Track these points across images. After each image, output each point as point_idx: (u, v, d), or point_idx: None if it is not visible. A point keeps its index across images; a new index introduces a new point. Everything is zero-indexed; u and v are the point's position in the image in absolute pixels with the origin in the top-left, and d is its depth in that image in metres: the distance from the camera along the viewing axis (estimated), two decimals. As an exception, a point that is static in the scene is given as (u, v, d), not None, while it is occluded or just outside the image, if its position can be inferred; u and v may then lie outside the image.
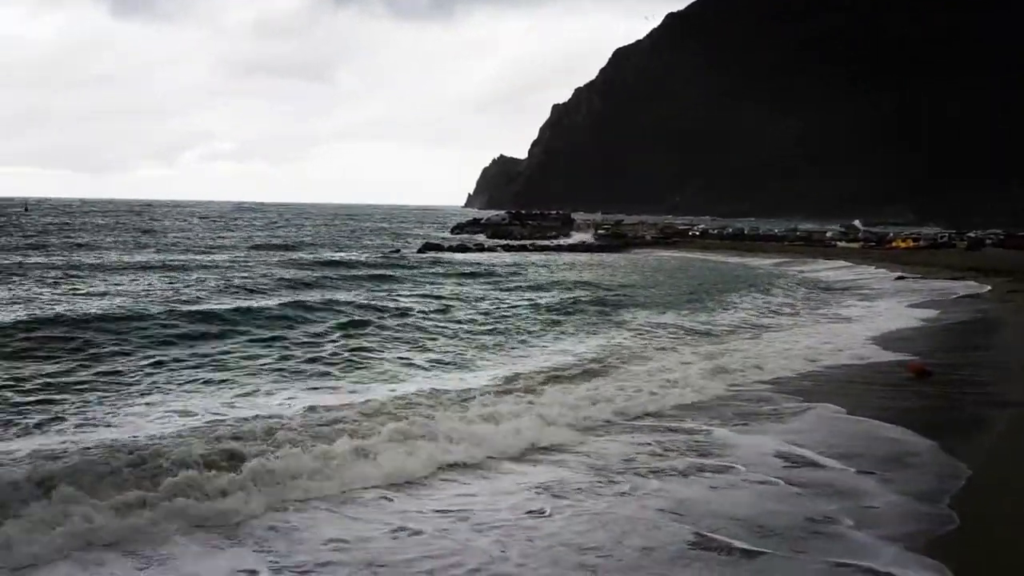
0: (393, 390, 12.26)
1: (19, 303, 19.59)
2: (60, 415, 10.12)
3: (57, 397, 10.95)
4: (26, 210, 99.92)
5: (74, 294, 21.92)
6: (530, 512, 7.36)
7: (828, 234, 66.84)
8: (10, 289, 22.60)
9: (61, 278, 25.95)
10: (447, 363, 14.79)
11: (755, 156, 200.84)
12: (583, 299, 24.91)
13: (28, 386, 11.47)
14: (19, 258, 33.63)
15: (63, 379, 11.97)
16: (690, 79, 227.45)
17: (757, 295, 28.12)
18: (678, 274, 38.69)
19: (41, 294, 21.66)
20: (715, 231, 73.12)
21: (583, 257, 50.38)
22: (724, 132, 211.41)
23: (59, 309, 18.16)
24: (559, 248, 57.39)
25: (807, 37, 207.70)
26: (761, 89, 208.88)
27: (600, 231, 74.65)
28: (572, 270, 38.78)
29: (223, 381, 12.49)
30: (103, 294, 21.95)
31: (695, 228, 77.83)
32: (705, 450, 9.35)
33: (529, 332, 18.57)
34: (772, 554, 6.39)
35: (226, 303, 20.45)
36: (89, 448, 8.53)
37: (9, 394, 11.01)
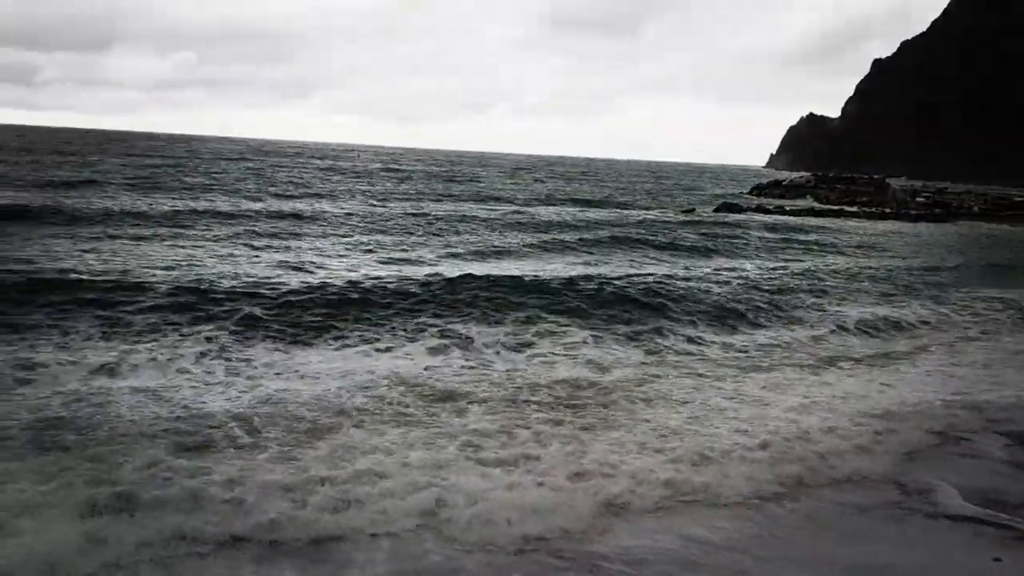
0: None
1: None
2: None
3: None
4: (357, 155, 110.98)
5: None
6: None
7: None
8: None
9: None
10: None
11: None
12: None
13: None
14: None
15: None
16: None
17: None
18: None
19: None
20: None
21: (897, 225, 46.41)
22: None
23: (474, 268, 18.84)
24: (870, 215, 53.22)
25: None
26: None
27: (919, 199, 68.19)
28: (889, 238, 36.02)
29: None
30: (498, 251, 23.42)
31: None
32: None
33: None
34: None
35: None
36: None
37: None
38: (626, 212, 41.84)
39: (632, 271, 19.71)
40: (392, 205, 37.26)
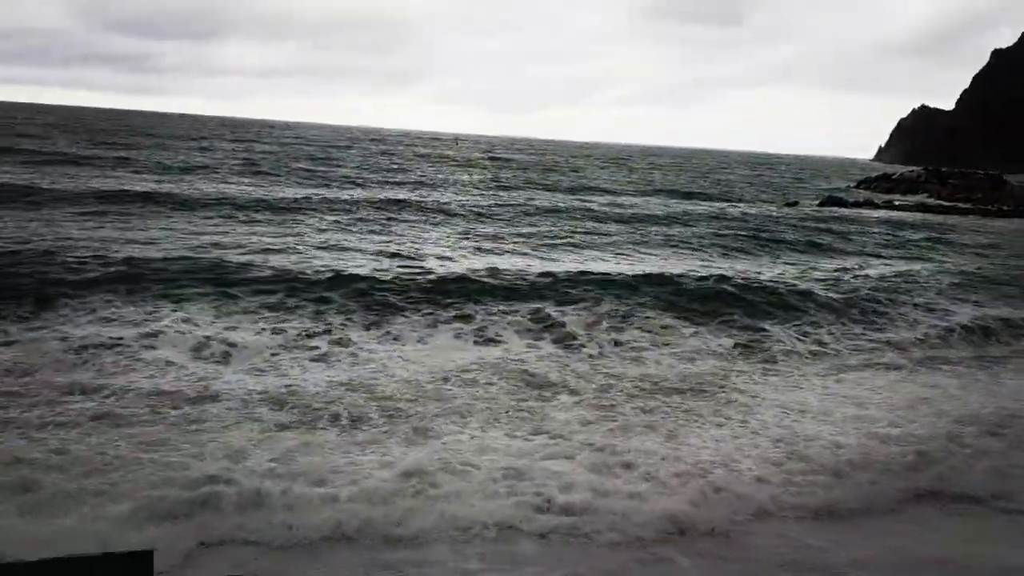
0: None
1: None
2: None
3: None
4: (456, 143, 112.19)
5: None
6: None
7: None
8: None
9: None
10: None
11: None
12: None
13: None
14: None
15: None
16: None
17: None
18: None
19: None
20: None
21: (1016, 224, 44.07)
22: None
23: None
24: (986, 212, 50.70)
25: None
26: None
27: (1041, 197, 64.52)
28: (1006, 237, 34.26)
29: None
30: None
31: None
32: None
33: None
34: None
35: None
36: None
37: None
38: (726, 205, 41.02)
39: (736, 266, 19.37)
40: (494, 193, 37.51)
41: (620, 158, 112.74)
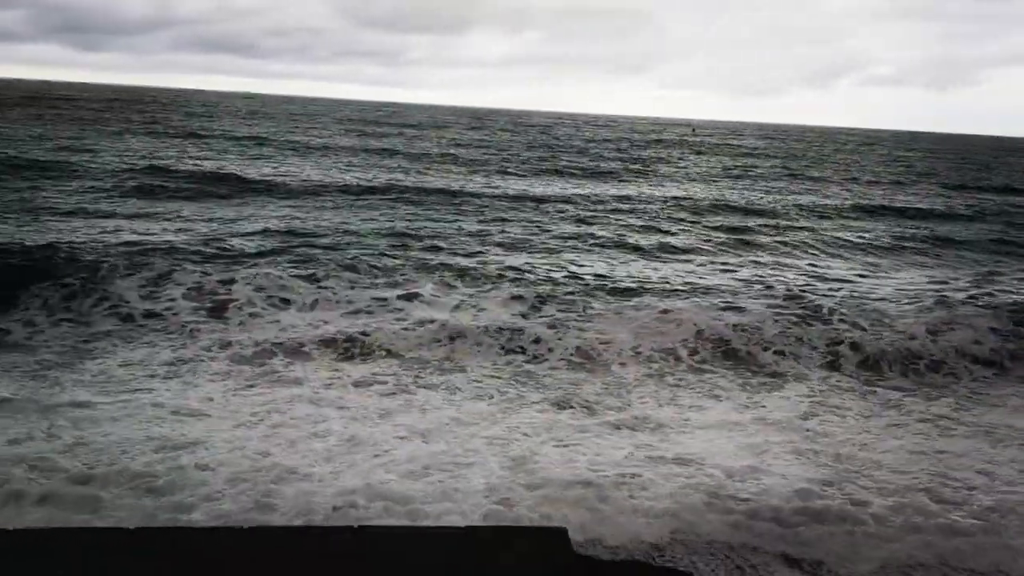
0: None
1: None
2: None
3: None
4: (693, 132, 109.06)
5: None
6: None
7: None
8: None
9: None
10: None
11: None
12: None
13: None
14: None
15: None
16: None
17: None
18: None
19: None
20: None
21: None
22: None
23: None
24: None
25: None
26: None
27: None
28: None
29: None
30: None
31: None
32: None
33: None
34: None
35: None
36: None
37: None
38: (1009, 199, 36.24)
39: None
40: (749, 184, 35.45)
41: (868, 142, 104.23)
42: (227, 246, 14.44)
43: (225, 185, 23.09)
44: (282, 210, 19.80)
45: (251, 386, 8.62)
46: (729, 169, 44.57)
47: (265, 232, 16.23)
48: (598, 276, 14.31)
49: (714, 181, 36.62)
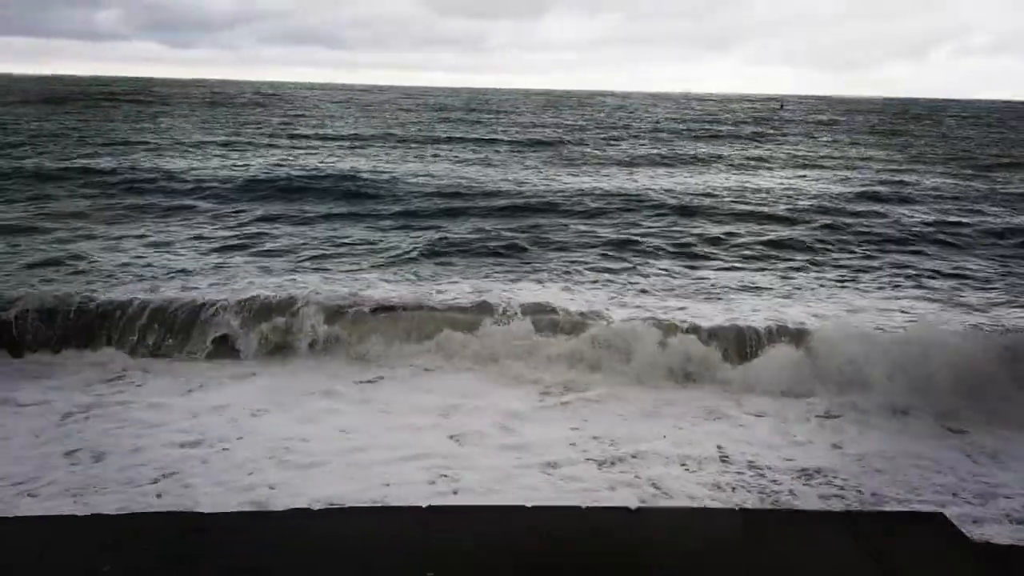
0: None
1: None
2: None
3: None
4: (781, 107, 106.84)
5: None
6: None
7: None
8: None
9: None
10: None
11: None
12: None
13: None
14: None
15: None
16: None
17: None
18: None
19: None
20: None
21: None
22: None
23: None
24: None
25: None
26: None
27: None
28: None
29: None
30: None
31: None
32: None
33: None
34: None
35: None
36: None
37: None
38: None
39: None
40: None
41: (969, 115, 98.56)
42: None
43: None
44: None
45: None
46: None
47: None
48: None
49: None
